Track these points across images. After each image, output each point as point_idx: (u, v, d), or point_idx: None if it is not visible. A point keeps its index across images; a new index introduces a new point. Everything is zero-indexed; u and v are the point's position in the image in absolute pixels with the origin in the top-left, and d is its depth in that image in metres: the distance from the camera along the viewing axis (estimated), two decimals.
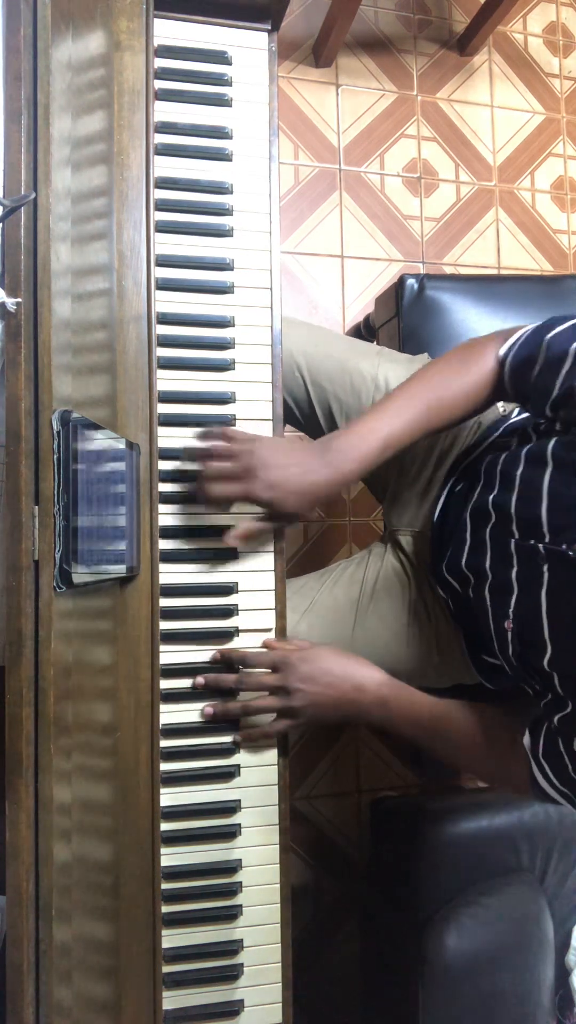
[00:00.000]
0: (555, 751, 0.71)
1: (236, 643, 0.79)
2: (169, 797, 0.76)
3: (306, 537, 1.70)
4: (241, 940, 0.77)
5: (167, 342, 0.78)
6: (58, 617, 0.52)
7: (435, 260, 1.84)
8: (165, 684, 0.76)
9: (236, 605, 0.80)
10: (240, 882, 0.77)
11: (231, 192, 0.81)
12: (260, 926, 0.78)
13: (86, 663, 0.61)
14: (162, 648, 0.75)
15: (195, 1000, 0.76)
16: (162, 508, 0.77)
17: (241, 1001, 0.77)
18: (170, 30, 0.80)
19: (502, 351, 0.81)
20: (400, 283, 1.28)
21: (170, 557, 0.78)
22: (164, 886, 0.74)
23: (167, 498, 0.78)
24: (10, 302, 0.51)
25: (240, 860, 0.77)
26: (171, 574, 0.78)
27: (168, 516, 0.78)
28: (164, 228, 0.79)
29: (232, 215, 0.81)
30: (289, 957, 0.78)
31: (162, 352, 0.78)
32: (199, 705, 0.78)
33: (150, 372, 0.75)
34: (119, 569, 0.67)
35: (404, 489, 1.00)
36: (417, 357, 1.06)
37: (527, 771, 0.74)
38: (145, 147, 0.76)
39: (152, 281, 0.75)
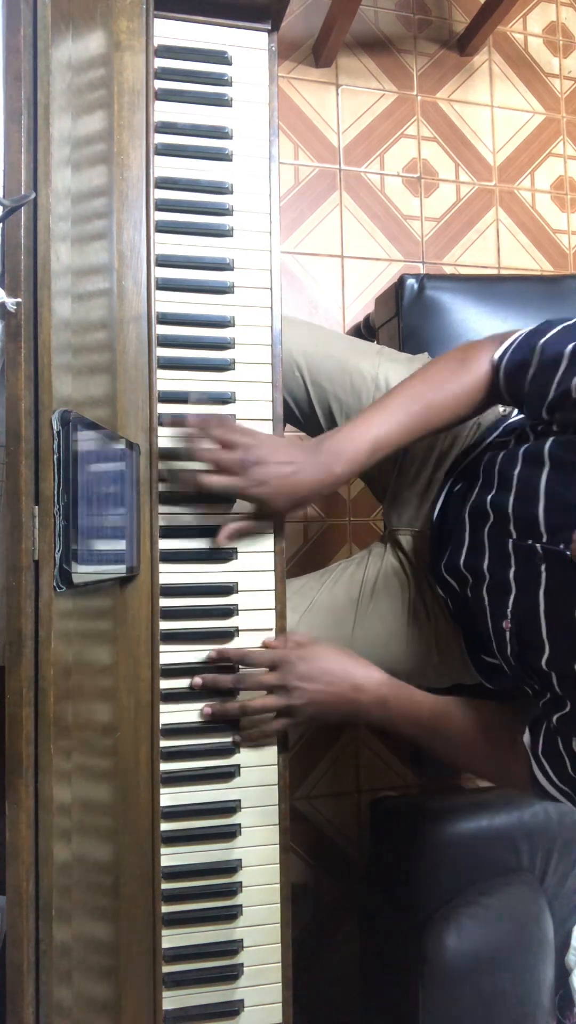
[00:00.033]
0: (555, 750, 0.71)
1: (236, 643, 0.79)
2: (169, 797, 0.76)
3: (306, 537, 1.70)
4: (241, 940, 0.77)
5: (167, 342, 0.78)
6: (58, 617, 0.52)
7: (435, 260, 1.84)
8: (165, 684, 0.76)
9: (236, 605, 0.80)
10: (240, 882, 0.77)
11: (231, 192, 0.81)
12: (260, 926, 0.78)
13: (86, 663, 0.61)
14: (162, 648, 0.75)
15: (195, 1000, 0.76)
16: (162, 508, 0.77)
17: (241, 1001, 0.77)
18: (170, 30, 0.80)
19: (496, 355, 0.81)
20: (400, 283, 1.28)
21: (170, 557, 0.78)
22: (164, 886, 0.74)
23: (167, 498, 0.78)
24: (10, 302, 0.51)
25: (240, 860, 0.78)
26: (171, 574, 0.78)
27: (168, 516, 0.78)
28: (164, 228, 0.79)
29: (232, 215, 0.81)
30: (289, 957, 0.78)
31: (162, 352, 0.78)
32: (199, 705, 0.78)
33: (150, 372, 0.75)
34: (119, 569, 0.67)
35: (404, 489, 1.01)
36: (417, 357, 1.06)
37: (527, 769, 0.74)
38: (145, 147, 0.76)
39: (152, 281, 0.75)
